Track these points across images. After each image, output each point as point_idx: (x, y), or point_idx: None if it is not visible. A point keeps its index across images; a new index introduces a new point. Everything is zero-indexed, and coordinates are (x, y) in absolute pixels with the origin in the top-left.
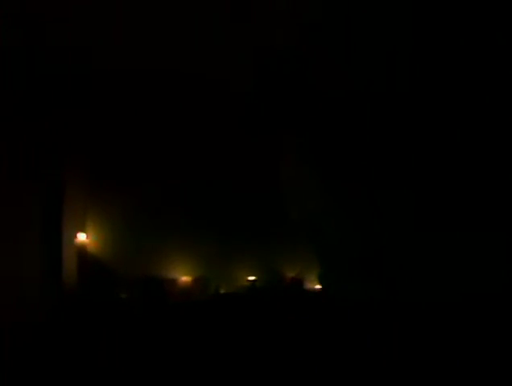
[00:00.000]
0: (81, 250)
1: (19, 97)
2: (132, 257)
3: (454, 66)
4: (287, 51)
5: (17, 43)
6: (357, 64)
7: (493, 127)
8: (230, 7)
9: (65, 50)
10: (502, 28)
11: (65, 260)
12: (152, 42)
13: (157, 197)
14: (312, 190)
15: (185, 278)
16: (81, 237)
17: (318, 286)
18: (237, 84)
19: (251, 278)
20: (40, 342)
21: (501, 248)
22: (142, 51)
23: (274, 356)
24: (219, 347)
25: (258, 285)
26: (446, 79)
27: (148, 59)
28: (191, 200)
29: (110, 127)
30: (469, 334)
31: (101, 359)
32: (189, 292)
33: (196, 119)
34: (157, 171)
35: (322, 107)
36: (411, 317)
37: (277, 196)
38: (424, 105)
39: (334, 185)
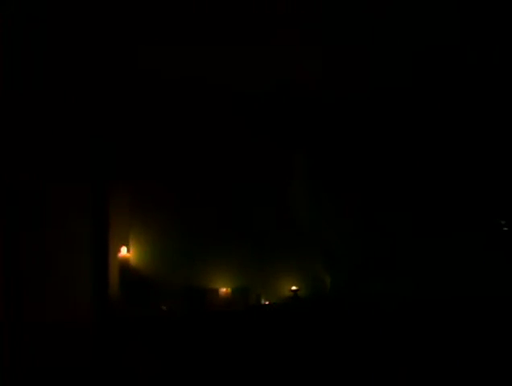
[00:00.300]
0: (124, 264)
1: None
2: (173, 270)
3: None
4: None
5: None
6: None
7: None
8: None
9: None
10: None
11: (109, 273)
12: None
13: (197, 209)
14: (317, 205)
15: (225, 289)
16: (123, 251)
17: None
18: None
19: (294, 288)
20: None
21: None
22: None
23: (319, 367)
24: (261, 358)
25: (301, 295)
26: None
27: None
28: (230, 211)
29: (152, 141)
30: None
31: (142, 367)
32: (230, 302)
33: (235, 135)
34: (196, 184)
35: (326, 127)
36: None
37: None
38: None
39: (336, 199)
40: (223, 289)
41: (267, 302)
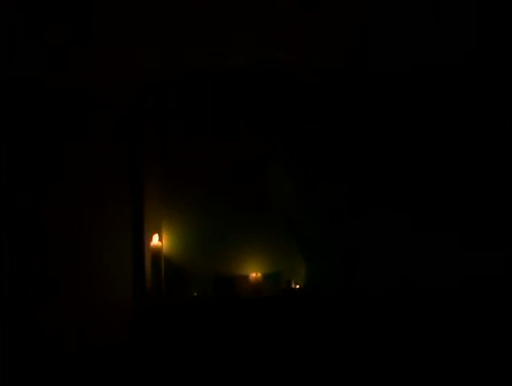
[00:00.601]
0: (156, 253)
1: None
2: (203, 257)
3: None
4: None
5: None
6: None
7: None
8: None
9: None
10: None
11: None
12: None
13: (227, 197)
14: (295, 194)
15: (255, 274)
16: (155, 240)
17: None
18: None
19: None
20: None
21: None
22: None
23: (354, 351)
24: (291, 343)
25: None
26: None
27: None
28: (260, 197)
29: (184, 130)
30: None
31: (175, 354)
32: (260, 287)
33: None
34: (226, 174)
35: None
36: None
37: None
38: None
39: (313, 189)
40: (253, 275)
41: (298, 286)
